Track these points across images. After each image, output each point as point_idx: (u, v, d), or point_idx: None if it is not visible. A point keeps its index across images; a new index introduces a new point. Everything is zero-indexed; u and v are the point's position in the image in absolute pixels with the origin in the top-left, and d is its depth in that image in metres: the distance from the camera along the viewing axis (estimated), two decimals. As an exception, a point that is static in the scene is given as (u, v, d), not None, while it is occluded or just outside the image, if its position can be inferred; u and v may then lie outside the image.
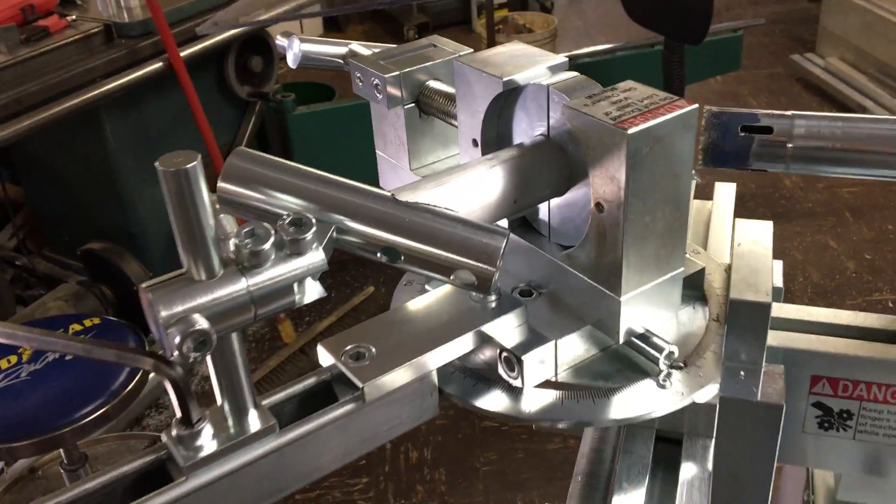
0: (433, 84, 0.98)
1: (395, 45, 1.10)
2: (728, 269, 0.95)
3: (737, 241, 0.94)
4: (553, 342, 0.82)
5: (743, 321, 0.86)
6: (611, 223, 0.76)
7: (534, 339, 0.82)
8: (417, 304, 0.84)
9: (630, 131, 0.71)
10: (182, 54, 2.75)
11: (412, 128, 1.00)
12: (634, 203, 0.74)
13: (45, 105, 2.59)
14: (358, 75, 1.00)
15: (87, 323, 2.30)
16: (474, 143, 0.90)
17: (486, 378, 0.85)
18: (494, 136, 0.89)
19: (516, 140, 0.88)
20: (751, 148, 0.84)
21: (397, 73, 0.97)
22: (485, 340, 0.82)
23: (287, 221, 0.69)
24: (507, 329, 0.82)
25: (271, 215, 0.75)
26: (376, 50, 1.11)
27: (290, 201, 0.74)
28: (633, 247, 0.77)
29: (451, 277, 0.74)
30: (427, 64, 0.99)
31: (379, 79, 0.97)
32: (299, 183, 0.74)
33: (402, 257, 0.74)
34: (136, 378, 1.95)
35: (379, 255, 0.75)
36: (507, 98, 0.87)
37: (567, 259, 0.84)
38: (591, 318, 0.84)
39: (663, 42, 2.86)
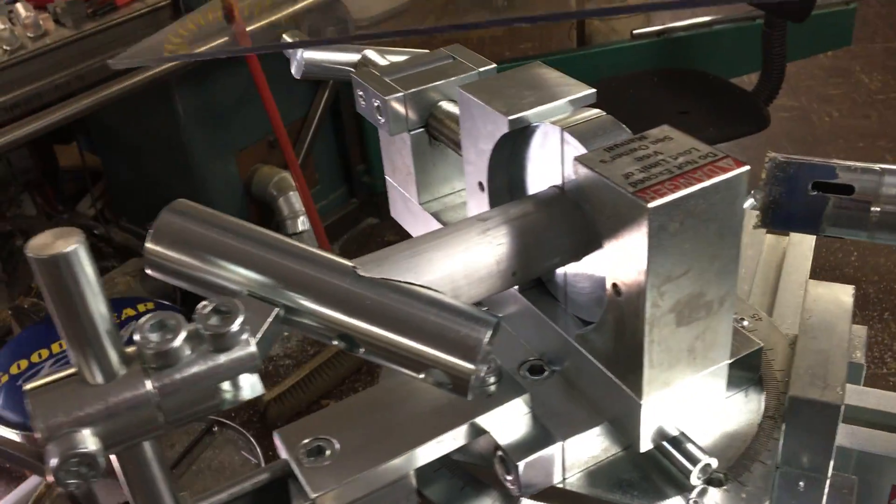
0: (446, 106, 0.83)
1: (413, 54, 0.94)
2: (793, 343, 0.77)
3: (806, 313, 0.76)
4: (560, 444, 0.66)
5: (805, 423, 0.69)
6: (629, 311, 0.60)
7: (537, 437, 0.67)
8: (399, 385, 0.70)
9: (652, 205, 0.54)
10: (248, 29, 2.65)
11: (421, 156, 0.85)
12: (659, 289, 0.58)
13: (111, 81, 2.53)
14: (360, 93, 0.85)
15: (141, 308, 2.24)
16: (480, 186, 0.74)
17: (477, 480, 0.70)
18: (505, 180, 0.74)
19: (531, 188, 0.72)
20: (824, 210, 0.65)
21: (401, 93, 0.81)
22: (479, 433, 0.67)
23: (208, 309, 0.55)
24: (507, 421, 0.67)
25: (207, 285, 0.61)
26: (395, 59, 0.95)
27: (231, 271, 0.60)
28: (657, 342, 0.60)
29: (422, 375, 0.59)
30: (440, 82, 0.83)
31: (380, 100, 0.82)
32: (243, 248, 0.61)
33: (362, 348, 0.60)
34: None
35: (335, 342, 0.61)
36: (519, 138, 0.70)
37: (582, 341, 0.68)
38: (609, 414, 0.68)
39: (764, 17, 2.60)
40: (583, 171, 0.59)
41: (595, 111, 0.67)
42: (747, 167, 0.57)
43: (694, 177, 0.56)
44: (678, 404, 0.65)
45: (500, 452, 0.67)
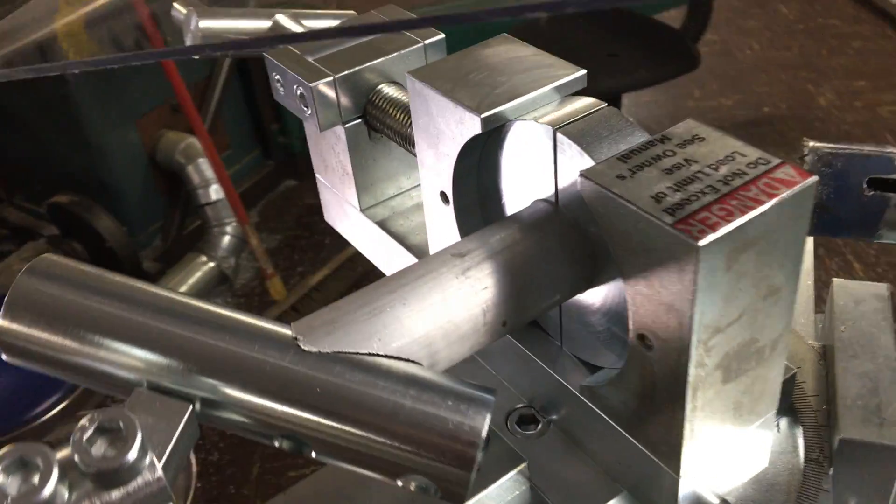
0: (387, 90, 0.66)
1: (338, 19, 0.77)
2: (822, 356, 0.65)
3: (839, 325, 0.63)
4: (569, 528, 0.52)
5: (860, 468, 0.56)
6: (664, 371, 0.45)
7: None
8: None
9: (703, 242, 0.40)
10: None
11: (359, 152, 0.69)
12: (706, 344, 0.43)
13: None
14: (277, 78, 0.68)
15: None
16: (443, 198, 0.58)
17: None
18: (473, 190, 0.58)
19: (511, 200, 0.57)
20: (883, 213, 0.52)
21: (331, 77, 0.64)
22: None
23: (89, 431, 0.39)
24: (503, 500, 0.53)
25: (90, 375, 0.45)
26: (315, 25, 0.78)
27: (123, 354, 0.44)
28: (701, 408, 0.46)
29: (399, 482, 0.44)
30: (378, 61, 0.66)
31: (304, 87, 0.65)
32: (139, 320, 0.44)
33: (314, 449, 0.44)
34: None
35: (276, 442, 0.45)
36: (493, 137, 0.55)
37: (591, 395, 0.53)
38: (628, 483, 0.54)
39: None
40: (594, 192, 0.44)
41: (590, 100, 0.51)
42: (815, 178, 0.43)
43: (748, 196, 0.42)
44: (721, 469, 0.51)
45: (496, 536, 0.53)
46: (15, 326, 0.44)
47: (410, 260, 0.67)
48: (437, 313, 0.46)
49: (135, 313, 0.44)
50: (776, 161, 0.44)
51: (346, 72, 0.65)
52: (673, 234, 0.40)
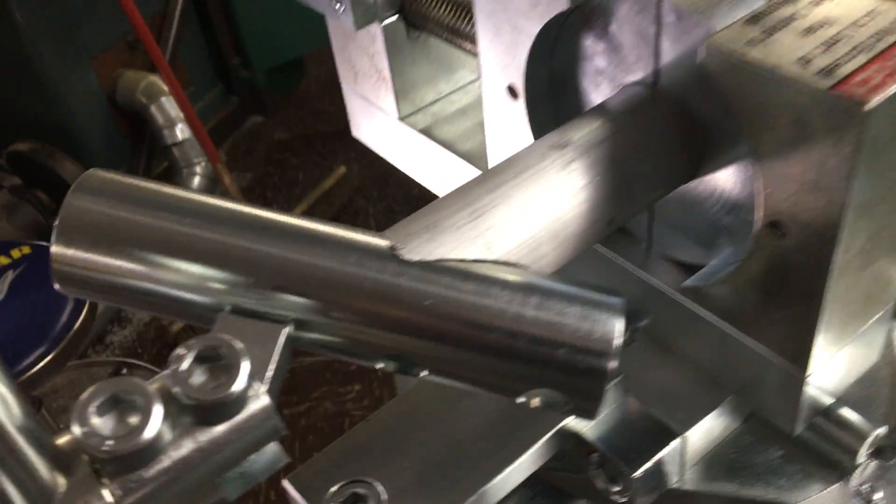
0: (428, -20, 0.60)
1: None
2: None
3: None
4: (680, 439, 0.48)
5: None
6: (801, 259, 0.41)
7: (649, 431, 0.49)
8: (429, 391, 0.50)
9: (871, 105, 0.35)
10: None
11: (397, 53, 0.62)
12: (853, 226, 0.39)
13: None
14: (302, -26, 0.61)
15: (16, 254, 1.93)
16: (511, 92, 0.53)
17: (554, 489, 0.52)
18: (545, 81, 0.52)
19: (590, 87, 0.51)
20: None
21: (367, -33, 0.58)
22: (569, 439, 0.49)
23: (188, 360, 0.33)
24: (602, 414, 0.49)
25: (161, 304, 0.39)
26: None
27: (199, 277, 0.38)
28: (837, 297, 0.42)
29: (520, 399, 0.39)
30: (415, -53, 0.60)
31: (338, -20, 0.58)
32: (214, 237, 0.38)
33: (425, 368, 0.39)
34: (85, 310, 1.60)
35: (381, 364, 0.40)
36: (574, 17, 0.49)
37: (696, 295, 0.49)
38: (736, 384, 0.50)
39: None
40: (723, 61, 0.39)
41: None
42: (974, 29, 0.38)
43: (908, 51, 0.37)
44: (840, 366, 0.48)
45: (594, 456, 0.49)
46: (71, 252, 0.38)
47: (463, 168, 0.62)
48: (543, 212, 0.41)
49: (211, 229, 0.38)
50: (926, 15, 0.39)
51: (383, -39, 0.58)
52: (831, 99, 0.35)
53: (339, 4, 0.59)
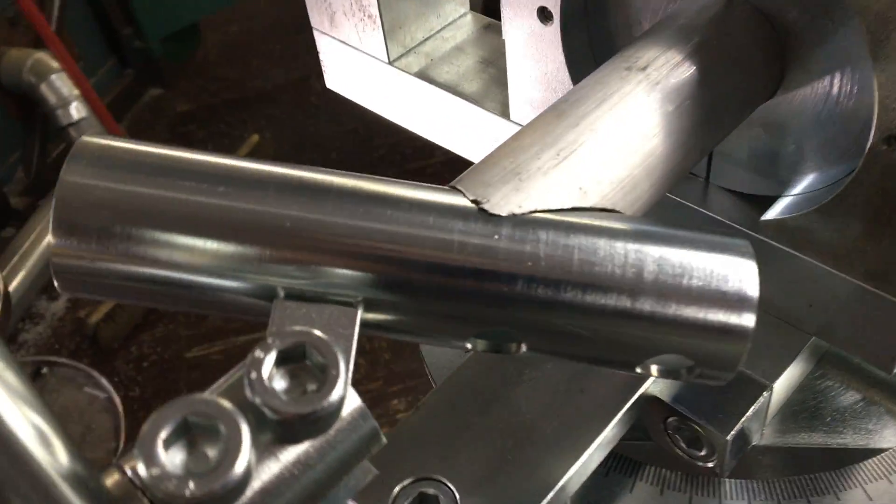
0: None
1: None
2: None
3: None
4: (767, 393, 0.43)
5: None
6: (924, 178, 0.36)
7: (735, 388, 0.44)
8: (473, 369, 0.44)
9: None
10: None
11: (386, -14, 0.55)
12: None
13: None
14: None
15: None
16: (544, 14, 0.46)
17: (626, 459, 0.47)
18: (581, 1, 0.46)
19: (634, 4, 0.45)
20: None
21: None
22: (646, 405, 0.44)
23: (268, 363, 0.26)
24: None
25: (195, 296, 0.31)
26: None
27: (237, 257, 0.30)
28: (964, 217, 0.37)
29: (640, 369, 0.33)
30: None
31: None
32: (249, 205, 0.31)
33: (525, 343, 0.33)
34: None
35: (470, 343, 0.33)
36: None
37: (776, 230, 0.43)
38: (817, 325, 0.45)
39: None
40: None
41: None
42: None
43: None
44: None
45: (672, 420, 0.44)
46: (76, 243, 0.30)
47: (471, 111, 0.55)
48: (637, 146, 0.35)
49: (252, 198, 0.31)
50: None
51: None
52: None
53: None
